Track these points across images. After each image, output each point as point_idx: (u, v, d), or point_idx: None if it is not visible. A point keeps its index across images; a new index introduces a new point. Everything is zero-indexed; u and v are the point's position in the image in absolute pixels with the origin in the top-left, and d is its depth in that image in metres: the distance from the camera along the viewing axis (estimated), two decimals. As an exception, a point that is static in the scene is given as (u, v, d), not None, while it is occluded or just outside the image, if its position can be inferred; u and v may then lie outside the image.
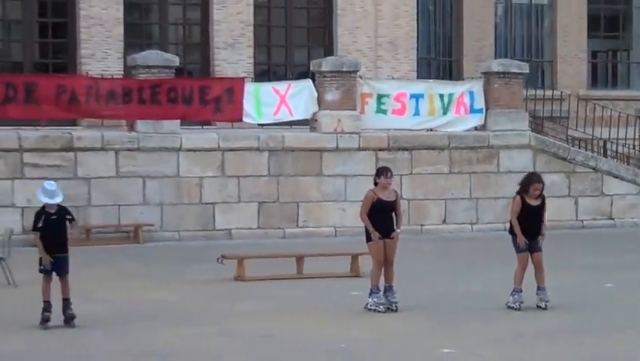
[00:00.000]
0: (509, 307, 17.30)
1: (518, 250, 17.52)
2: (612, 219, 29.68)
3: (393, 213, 17.56)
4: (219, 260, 20.68)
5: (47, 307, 15.85)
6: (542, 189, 17.79)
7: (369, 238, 17.43)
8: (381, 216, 17.45)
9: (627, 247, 25.46)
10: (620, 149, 30.98)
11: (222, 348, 14.66)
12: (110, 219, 26.19)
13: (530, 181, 17.88)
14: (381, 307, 17.17)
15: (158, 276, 21.04)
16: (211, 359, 14.11)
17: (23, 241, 22.47)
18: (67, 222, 16.23)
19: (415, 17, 31.69)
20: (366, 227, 17.45)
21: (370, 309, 17.24)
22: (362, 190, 26.75)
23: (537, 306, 17.34)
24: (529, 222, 17.58)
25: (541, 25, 35.87)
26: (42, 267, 15.98)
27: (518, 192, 17.72)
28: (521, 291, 17.39)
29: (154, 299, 18.41)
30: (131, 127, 26.74)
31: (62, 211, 16.18)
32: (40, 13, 29.75)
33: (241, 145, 27.18)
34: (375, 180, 17.67)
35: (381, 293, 17.34)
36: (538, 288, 17.49)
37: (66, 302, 15.98)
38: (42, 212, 16.09)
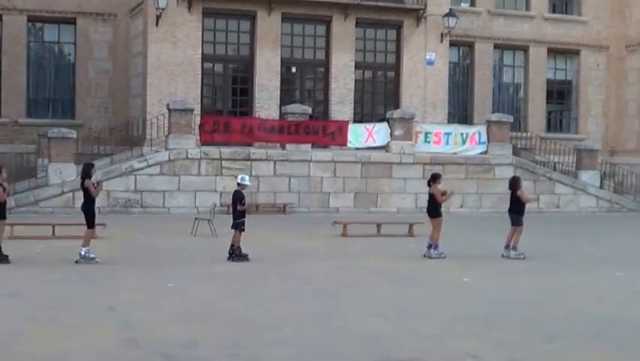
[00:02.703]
0: (506, 256, 16.80)
1: (519, 223, 17.11)
2: (559, 208, 29.17)
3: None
4: (333, 224, 20.69)
5: (239, 250, 15.67)
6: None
7: (440, 215, 16.93)
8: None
9: (568, 225, 25.08)
10: (563, 167, 30.53)
11: (337, 274, 14.65)
12: (269, 200, 26.24)
13: (520, 180, 17.82)
14: (443, 255, 16.58)
15: (297, 233, 21.09)
16: (331, 279, 14.04)
17: (220, 211, 22.74)
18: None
19: (447, 89, 31.35)
20: (438, 206, 16.94)
21: (433, 257, 16.53)
22: (414, 187, 26.89)
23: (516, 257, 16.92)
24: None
25: (518, 94, 35.47)
26: (241, 225, 15.63)
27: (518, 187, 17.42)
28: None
29: (295, 245, 18.47)
30: (283, 148, 26.77)
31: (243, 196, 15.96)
32: (233, 82, 29.80)
33: (345, 159, 27.11)
34: (433, 180, 17.06)
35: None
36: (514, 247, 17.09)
37: (238, 248, 15.75)
38: (241, 194, 15.80)
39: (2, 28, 29.91)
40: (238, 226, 15.68)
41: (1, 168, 15.51)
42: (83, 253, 15.02)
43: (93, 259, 15.02)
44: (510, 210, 17.44)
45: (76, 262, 14.93)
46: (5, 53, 29.86)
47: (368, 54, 30.68)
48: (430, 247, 16.84)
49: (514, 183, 17.51)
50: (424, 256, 16.80)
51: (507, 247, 17.04)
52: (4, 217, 15.19)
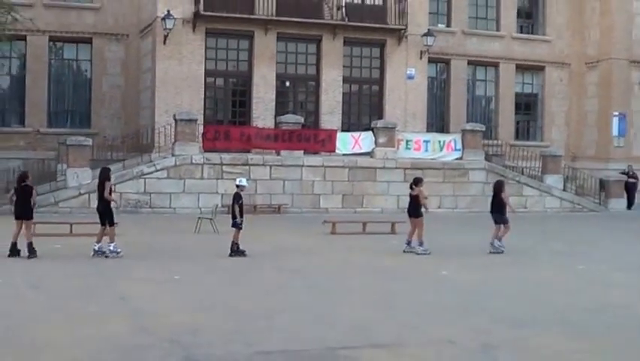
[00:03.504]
0: (493, 252, 16.58)
1: (505, 221, 16.99)
2: (526, 208, 29.00)
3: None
4: (323, 223, 20.60)
5: (237, 246, 15.57)
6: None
7: (421, 215, 16.71)
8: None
9: (535, 223, 24.88)
10: (530, 172, 30.54)
11: (327, 267, 14.61)
12: (265, 201, 26.06)
13: (503, 183, 17.82)
14: (428, 251, 16.37)
15: (291, 230, 21.01)
16: (321, 273, 14.00)
17: (221, 211, 22.58)
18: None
19: (425, 101, 31.30)
20: (418, 207, 16.71)
21: (420, 253, 16.24)
22: (397, 190, 26.74)
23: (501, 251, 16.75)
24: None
25: (489, 106, 35.46)
26: (239, 224, 15.45)
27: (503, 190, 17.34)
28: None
29: (289, 242, 18.38)
30: (278, 153, 26.65)
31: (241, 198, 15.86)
32: (232, 95, 29.63)
33: (334, 164, 27.00)
34: (415, 184, 16.93)
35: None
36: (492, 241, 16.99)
37: (236, 245, 15.56)
38: (239, 195, 15.69)
39: (26, 48, 30.00)
40: (236, 225, 15.57)
41: (27, 173, 15.57)
42: (112, 248, 15.12)
43: (119, 252, 15.14)
44: (492, 211, 17.37)
45: (106, 257, 14.97)
46: (29, 70, 30.04)
47: (355, 70, 30.59)
48: (408, 243, 16.76)
49: (499, 187, 17.44)
50: (404, 251, 16.72)
51: (492, 243, 16.90)
52: (31, 217, 15.23)
